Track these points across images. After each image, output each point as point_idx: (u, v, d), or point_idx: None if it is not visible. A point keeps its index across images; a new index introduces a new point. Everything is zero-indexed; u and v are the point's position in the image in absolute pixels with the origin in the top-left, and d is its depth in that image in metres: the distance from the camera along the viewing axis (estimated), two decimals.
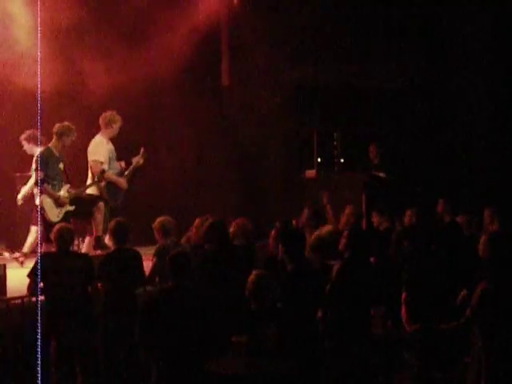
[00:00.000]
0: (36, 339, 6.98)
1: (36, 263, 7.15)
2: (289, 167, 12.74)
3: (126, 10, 11.06)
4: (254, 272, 6.43)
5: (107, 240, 8.89)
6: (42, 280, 7.09)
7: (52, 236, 7.35)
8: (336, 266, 6.65)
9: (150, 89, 11.38)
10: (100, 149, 9.43)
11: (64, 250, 7.25)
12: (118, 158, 9.76)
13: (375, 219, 9.24)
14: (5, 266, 7.81)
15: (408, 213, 9.15)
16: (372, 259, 7.45)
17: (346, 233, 6.82)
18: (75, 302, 7.07)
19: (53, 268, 7.09)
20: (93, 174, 9.44)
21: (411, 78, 12.86)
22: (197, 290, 6.55)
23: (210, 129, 11.06)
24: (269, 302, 6.19)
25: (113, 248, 7.61)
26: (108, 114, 9.58)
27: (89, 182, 9.50)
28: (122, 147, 10.39)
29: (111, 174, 9.42)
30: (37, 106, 10.37)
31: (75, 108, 10.91)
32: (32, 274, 7.14)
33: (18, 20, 10.29)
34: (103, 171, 9.30)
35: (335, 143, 12.75)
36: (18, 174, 10.95)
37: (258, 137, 12.59)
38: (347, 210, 9.30)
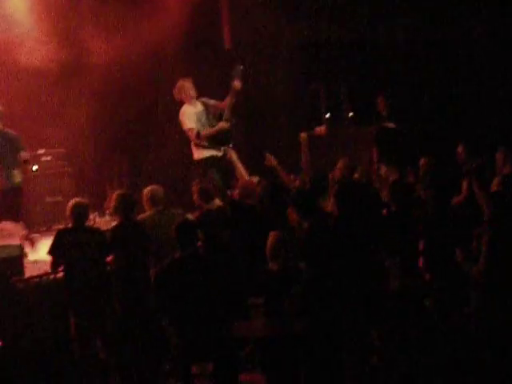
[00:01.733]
0: (56, 316, 7.10)
1: (55, 239, 7.22)
2: (298, 125, 12.69)
3: None
4: (272, 233, 6.46)
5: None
6: (61, 257, 7.17)
7: (67, 211, 7.40)
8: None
9: (152, 56, 11.36)
10: (183, 118, 9.50)
11: (80, 225, 7.31)
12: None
13: (382, 171, 9.19)
14: (21, 245, 7.89)
15: (421, 161, 9.06)
16: (384, 211, 7.46)
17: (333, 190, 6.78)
18: (94, 277, 7.13)
19: (70, 244, 7.16)
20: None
21: (416, 29, 12.72)
22: (207, 257, 6.59)
23: (215, 94, 10.95)
24: (291, 261, 6.20)
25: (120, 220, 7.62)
26: (176, 87, 9.63)
27: None
28: (124, 120, 10.46)
29: (207, 131, 9.50)
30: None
31: (78, 81, 10.96)
32: (53, 251, 7.20)
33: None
34: (198, 134, 9.42)
35: (342, 98, 12.65)
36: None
37: (263, 98, 12.54)
38: (339, 164, 9.04)
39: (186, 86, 9.63)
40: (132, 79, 11.28)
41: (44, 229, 10.52)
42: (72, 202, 7.44)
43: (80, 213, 7.31)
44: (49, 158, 11.03)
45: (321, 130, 12.11)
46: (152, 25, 11.14)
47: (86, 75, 11.04)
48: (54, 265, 7.23)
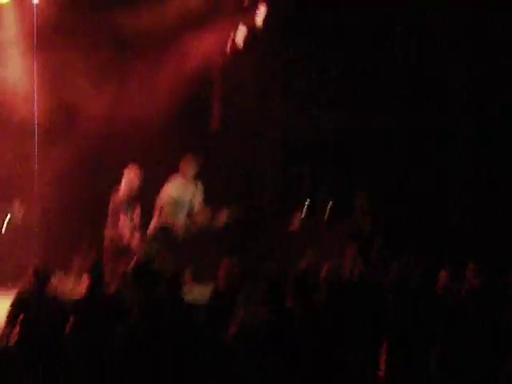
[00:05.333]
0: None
1: (12, 307, 7.14)
2: (279, 208, 12.71)
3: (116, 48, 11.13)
4: None
5: None
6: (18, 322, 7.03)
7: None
8: None
9: (139, 131, 11.36)
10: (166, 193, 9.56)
11: (39, 289, 7.18)
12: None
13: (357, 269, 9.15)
14: None
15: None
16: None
17: None
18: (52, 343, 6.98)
19: (28, 309, 7.03)
20: None
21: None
22: None
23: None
24: None
25: None
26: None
27: None
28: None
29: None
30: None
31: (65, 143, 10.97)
32: (7, 321, 7.09)
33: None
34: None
35: (324, 188, 12.72)
36: None
37: (248, 180, 12.56)
38: (307, 256, 8.96)
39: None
40: (118, 150, 11.25)
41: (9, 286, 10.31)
42: (34, 265, 7.36)
43: (41, 276, 7.20)
44: (20, 214, 10.95)
45: (298, 216, 12.10)
46: (142, 98, 11.25)
47: (73, 141, 11.06)
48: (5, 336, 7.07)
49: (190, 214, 9.59)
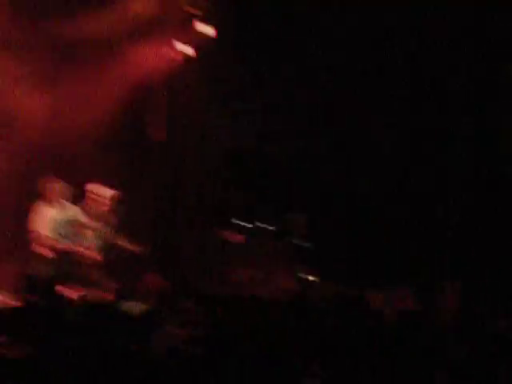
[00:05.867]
0: None
1: None
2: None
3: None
4: None
5: None
6: None
7: None
8: None
9: (77, 142, 11.16)
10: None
11: None
12: None
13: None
14: None
15: None
16: None
17: None
18: None
19: None
20: None
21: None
22: None
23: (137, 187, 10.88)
24: None
25: None
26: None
27: None
28: None
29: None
30: None
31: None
32: None
33: None
34: None
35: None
36: None
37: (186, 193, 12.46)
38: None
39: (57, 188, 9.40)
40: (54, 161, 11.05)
41: None
42: None
43: None
44: None
45: (238, 236, 12.02)
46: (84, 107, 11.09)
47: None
48: None
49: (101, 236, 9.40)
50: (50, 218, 9.17)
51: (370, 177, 12.15)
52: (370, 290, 8.76)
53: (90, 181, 10.02)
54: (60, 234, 9.19)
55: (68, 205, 9.38)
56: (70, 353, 6.15)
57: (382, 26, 11.79)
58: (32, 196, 9.74)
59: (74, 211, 9.40)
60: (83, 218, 9.36)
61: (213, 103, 12.20)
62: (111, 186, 9.78)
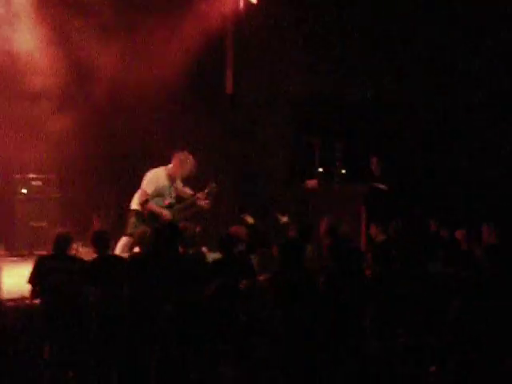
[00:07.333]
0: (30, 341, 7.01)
1: (35, 267, 7.24)
2: (291, 177, 12.73)
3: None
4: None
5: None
6: (39, 283, 7.15)
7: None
8: None
9: (152, 93, 11.35)
10: (148, 179, 9.46)
11: (60, 253, 7.30)
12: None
13: (372, 231, 9.22)
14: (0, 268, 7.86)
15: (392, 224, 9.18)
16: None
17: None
18: (70, 305, 7.08)
19: (50, 271, 7.15)
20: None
21: (412, 90, 12.78)
22: None
23: (212, 137, 11.02)
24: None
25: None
26: (182, 155, 9.56)
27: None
28: (117, 153, 10.44)
29: (154, 206, 9.38)
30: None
31: (75, 110, 11.00)
32: (32, 279, 7.21)
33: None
34: (146, 201, 9.36)
35: (336, 154, 12.69)
36: (17, 176, 11.07)
37: (259, 146, 12.59)
38: (322, 222, 8.90)
39: (190, 163, 9.56)
40: (130, 113, 11.28)
41: (26, 253, 10.49)
42: (57, 231, 7.50)
43: (62, 241, 7.33)
44: (39, 183, 11.05)
45: (312, 183, 12.11)
46: (156, 58, 11.20)
47: (84, 106, 11.08)
48: (33, 293, 7.21)
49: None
50: (157, 181, 9.45)
51: None
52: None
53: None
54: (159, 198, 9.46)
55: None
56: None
57: None
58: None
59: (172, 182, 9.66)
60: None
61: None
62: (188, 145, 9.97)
